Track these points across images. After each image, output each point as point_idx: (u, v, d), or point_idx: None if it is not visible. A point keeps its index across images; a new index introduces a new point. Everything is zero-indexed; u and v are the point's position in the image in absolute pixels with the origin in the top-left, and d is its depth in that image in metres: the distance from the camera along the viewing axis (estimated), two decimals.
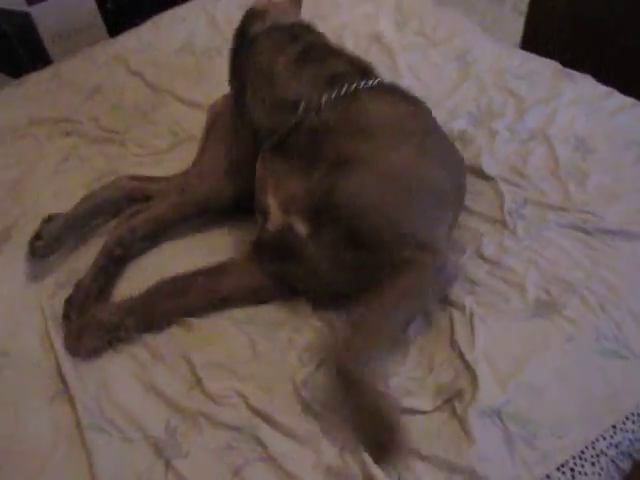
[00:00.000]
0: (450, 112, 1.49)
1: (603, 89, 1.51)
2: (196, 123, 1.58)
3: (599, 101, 1.48)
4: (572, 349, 1.07)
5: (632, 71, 1.82)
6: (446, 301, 1.15)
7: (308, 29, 1.27)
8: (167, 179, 1.42)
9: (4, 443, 1.05)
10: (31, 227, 1.40)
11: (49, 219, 1.32)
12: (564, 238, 1.22)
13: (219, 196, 1.32)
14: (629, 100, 1.47)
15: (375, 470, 0.91)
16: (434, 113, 1.36)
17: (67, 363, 1.13)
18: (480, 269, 1.19)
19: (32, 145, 1.66)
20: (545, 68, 1.59)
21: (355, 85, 1.10)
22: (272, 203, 1.12)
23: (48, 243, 1.27)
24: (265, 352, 1.10)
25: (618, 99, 1.48)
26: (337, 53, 1.21)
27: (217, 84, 1.70)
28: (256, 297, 1.16)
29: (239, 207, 1.33)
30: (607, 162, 1.35)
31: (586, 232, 1.22)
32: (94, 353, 1.12)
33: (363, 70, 1.18)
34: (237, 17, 1.82)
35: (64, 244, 1.30)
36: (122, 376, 1.11)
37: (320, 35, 1.27)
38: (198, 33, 1.91)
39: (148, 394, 1.09)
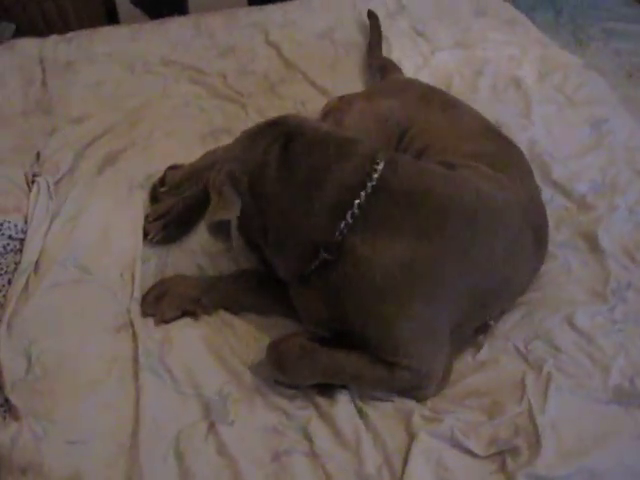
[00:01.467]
0: (574, 173, 1.45)
1: None
2: (319, 108, 1.59)
3: None
4: None
5: None
6: (521, 356, 1.12)
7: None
8: None
9: (60, 358, 1.08)
10: (138, 159, 1.45)
11: (172, 167, 1.36)
12: None
13: None
14: None
15: None
16: (558, 172, 1.34)
17: (138, 305, 1.16)
18: (567, 337, 1.15)
19: (159, 82, 1.72)
20: None
21: (357, 207, 0.98)
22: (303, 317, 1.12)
23: (170, 190, 1.31)
24: None
25: None
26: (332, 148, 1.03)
27: (350, 79, 1.73)
28: None
29: None
30: None
31: None
32: (167, 321, 1.14)
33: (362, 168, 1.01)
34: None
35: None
36: (189, 333, 1.14)
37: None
38: (342, 25, 1.93)
39: (210, 356, 1.10)
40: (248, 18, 1.96)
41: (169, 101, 1.65)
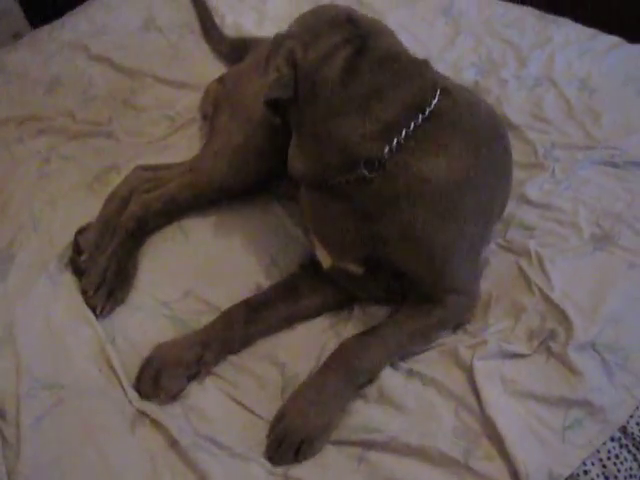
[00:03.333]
0: (453, 65, 1.50)
1: (588, 31, 1.58)
2: (192, 105, 1.47)
3: (587, 42, 1.55)
4: (635, 274, 1.13)
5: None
6: (509, 250, 1.18)
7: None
8: (182, 163, 1.32)
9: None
10: (36, 242, 1.26)
11: (82, 230, 1.23)
12: (598, 174, 1.28)
13: (235, 178, 1.24)
14: (615, 39, 1.55)
15: None
16: (441, 68, 1.36)
17: (134, 391, 1.03)
18: (531, 214, 1.22)
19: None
20: (527, 15, 1.64)
21: (412, 128, 0.95)
22: (318, 247, 1.07)
23: (92, 255, 1.18)
24: None
25: (604, 39, 1.56)
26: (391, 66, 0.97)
27: (200, 62, 1.61)
28: (329, 309, 1.13)
29: (259, 189, 1.28)
30: (612, 99, 1.42)
31: (615, 166, 1.29)
32: (175, 396, 1.03)
33: (418, 94, 0.97)
34: None
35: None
36: (209, 395, 1.04)
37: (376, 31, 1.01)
38: (158, 9, 1.76)
39: (239, 409, 1.02)
40: (55, 41, 1.72)
41: (25, 167, 1.43)
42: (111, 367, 1.05)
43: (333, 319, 1.10)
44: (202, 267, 1.18)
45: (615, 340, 1.04)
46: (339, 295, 1.11)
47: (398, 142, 0.94)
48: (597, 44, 1.54)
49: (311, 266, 1.12)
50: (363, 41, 0.96)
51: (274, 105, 1.00)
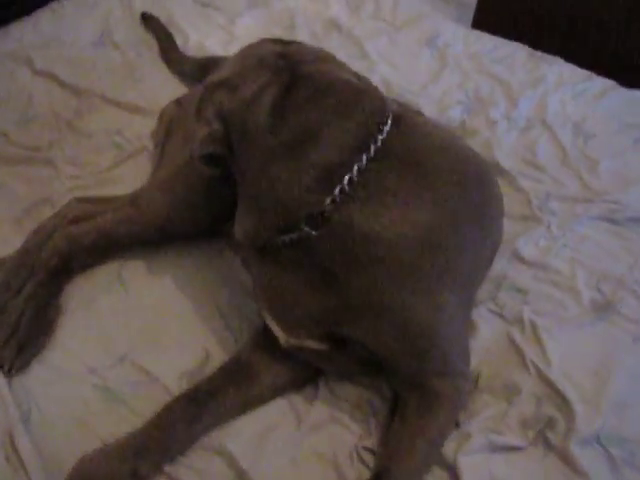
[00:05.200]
0: (439, 102, 1.36)
1: (581, 72, 1.47)
2: (143, 131, 1.30)
3: (581, 84, 1.44)
4: None
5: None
6: (499, 317, 1.03)
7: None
8: (123, 196, 1.14)
9: None
10: None
11: None
12: (596, 231, 1.15)
13: (183, 215, 1.07)
14: (609, 82, 1.44)
15: None
16: (425, 104, 1.23)
17: None
18: (525, 274, 1.08)
19: None
20: (518, 51, 1.52)
21: (356, 173, 0.78)
22: (271, 322, 0.90)
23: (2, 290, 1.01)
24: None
25: (599, 81, 1.45)
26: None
27: (158, 83, 1.44)
28: (290, 389, 0.94)
29: (210, 231, 1.10)
30: (609, 147, 1.30)
31: (615, 222, 1.17)
32: None
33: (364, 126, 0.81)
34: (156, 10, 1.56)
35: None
36: None
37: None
38: (115, 24, 1.59)
39: None
40: None
41: None
42: (20, 458, 0.84)
43: (293, 398, 0.92)
44: (141, 327, 1.00)
45: (620, 429, 0.91)
46: (302, 372, 0.93)
47: (342, 191, 0.77)
48: (591, 86, 1.43)
49: (267, 337, 0.93)
50: (292, 76, 0.82)
51: (210, 159, 0.86)
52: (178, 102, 1.24)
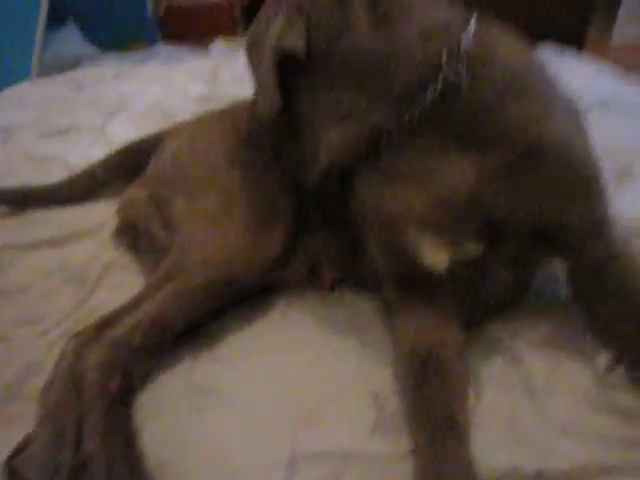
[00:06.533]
0: None
1: None
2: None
3: None
4: None
5: None
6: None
7: None
8: (143, 292, 0.90)
9: None
10: None
11: (19, 451, 0.74)
12: None
13: (254, 259, 0.90)
14: None
15: None
16: None
17: None
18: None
19: None
20: None
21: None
22: (426, 245, 0.79)
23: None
24: None
25: None
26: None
27: None
28: None
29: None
30: None
31: None
32: None
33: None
34: None
35: None
36: None
37: None
38: None
39: None
40: None
41: None
42: None
43: None
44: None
45: None
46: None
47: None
48: None
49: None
50: None
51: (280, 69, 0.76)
52: (141, 183, 1.08)
